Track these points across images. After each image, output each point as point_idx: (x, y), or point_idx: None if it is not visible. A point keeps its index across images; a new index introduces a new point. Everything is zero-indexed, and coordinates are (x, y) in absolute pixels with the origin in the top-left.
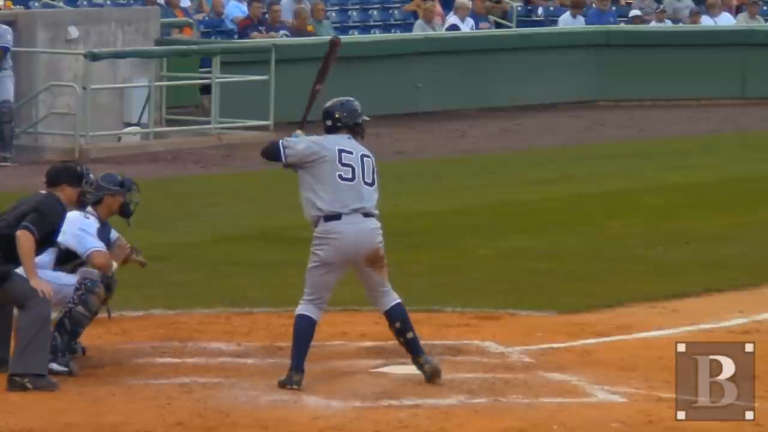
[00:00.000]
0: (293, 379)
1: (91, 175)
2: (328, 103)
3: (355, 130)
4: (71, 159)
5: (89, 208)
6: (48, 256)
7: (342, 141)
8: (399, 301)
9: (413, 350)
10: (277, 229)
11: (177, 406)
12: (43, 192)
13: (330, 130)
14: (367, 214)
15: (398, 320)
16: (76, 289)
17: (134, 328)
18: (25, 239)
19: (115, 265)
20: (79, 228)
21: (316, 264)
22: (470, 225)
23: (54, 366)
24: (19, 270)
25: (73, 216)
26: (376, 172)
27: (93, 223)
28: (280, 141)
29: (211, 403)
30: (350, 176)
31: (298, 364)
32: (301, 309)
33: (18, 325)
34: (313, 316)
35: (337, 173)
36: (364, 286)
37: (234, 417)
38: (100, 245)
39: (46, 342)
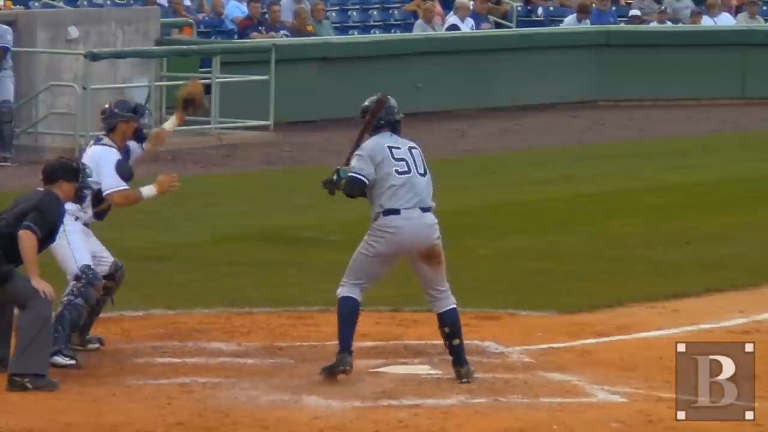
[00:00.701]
0: (346, 360)
1: (87, 170)
2: (366, 102)
3: (395, 126)
4: (67, 155)
5: (106, 139)
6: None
7: (387, 139)
8: (454, 306)
9: (456, 357)
10: (277, 229)
11: (177, 406)
12: (41, 189)
13: (372, 129)
14: (424, 209)
15: (448, 325)
16: (78, 278)
17: (134, 328)
18: (27, 239)
19: (149, 191)
20: (98, 164)
21: (369, 253)
22: (470, 225)
23: (58, 359)
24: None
25: (92, 151)
26: (425, 161)
27: (112, 156)
28: (350, 173)
29: (211, 403)
30: (406, 169)
31: (347, 346)
32: (345, 291)
33: (18, 324)
34: (358, 299)
35: (394, 168)
36: (422, 283)
37: (234, 417)
38: (116, 184)
39: (47, 342)
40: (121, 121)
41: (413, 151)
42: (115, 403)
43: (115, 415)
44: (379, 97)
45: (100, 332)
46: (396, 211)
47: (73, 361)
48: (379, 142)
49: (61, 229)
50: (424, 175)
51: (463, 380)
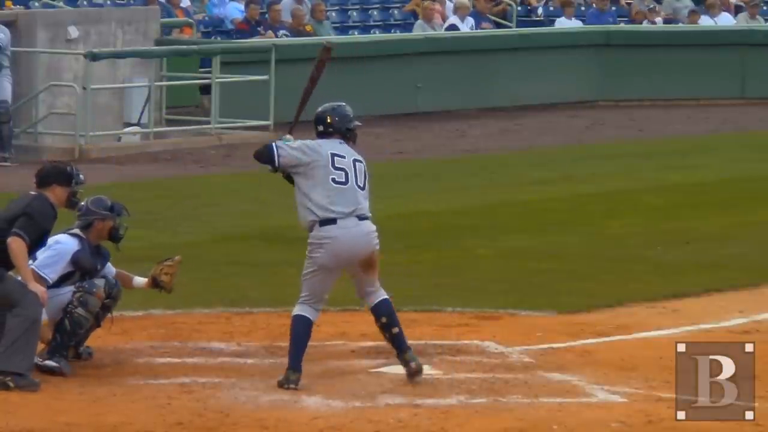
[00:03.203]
0: (290, 378)
1: (81, 176)
2: (320, 109)
3: (347, 135)
4: (62, 159)
5: (78, 231)
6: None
7: (334, 145)
8: (386, 297)
9: (399, 346)
10: (277, 229)
11: (177, 406)
12: (33, 193)
13: (322, 135)
14: (361, 217)
15: (384, 315)
16: (75, 292)
17: (134, 328)
18: (16, 246)
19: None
20: (50, 245)
21: (312, 269)
22: (470, 225)
23: (48, 363)
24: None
25: (57, 236)
26: (367, 177)
27: (70, 246)
28: (273, 143)
29: (211, 403)
30: (343, 179)
31: (295, 364)
32: (298, 310)
33: (7, 324)
34: (310, 317)
35: (331, 177)
36: (354, 284)
37: (234, 417)
38: (40, 267)
39: (33, 343)
40: (97, 219)
41: (357, 164)
42: (115, 403)
43: (115, 415)
44: (325, 45)
45: (100, 332)
46: (332, 221)
47: (57, 365)
48: (325, 146)
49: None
50: (362, 188)
51: (411, 364)
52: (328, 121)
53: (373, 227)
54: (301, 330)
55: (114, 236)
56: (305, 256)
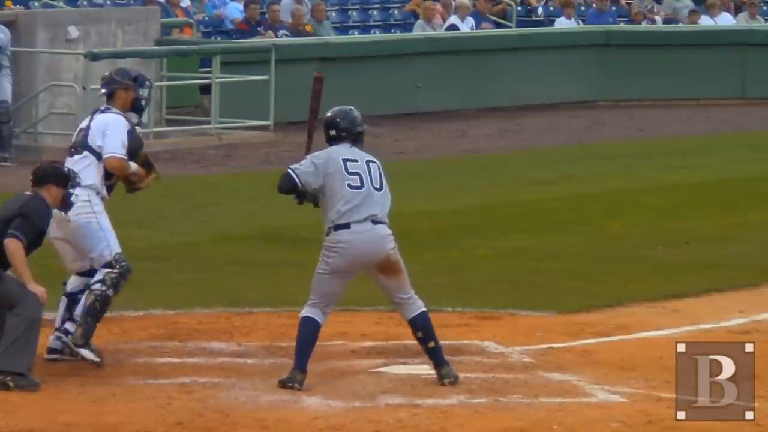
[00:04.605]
0: (296, 378)
1: (78, 178)
2: (329, 114)
3: (357, 138)
4: (60, 159)
5: (114, 108)
6: (94, 171)
7: (344, 151)
8: (423, 309)
9: (435, 360)
10: (277, 229)
11: (177, 406)
12: (29, 193)
13: (333, 140)
14: (376, 221)
15: (420, 330)
16: (110, 266)
17: (134, 328)
18: (14, 247)
19: (134, 167)
20: (107, 128)
21: (324, 272)
22: (470, 225)
23: (86, 353)
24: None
25: (103, 118)
26: (384, 176)
27: (122, 123)
28: (288, 169)
29: (211, 403)
30: (359, 184)
31: (301, 365)
32: (307, 311)
33: (6, 324)
34: (318, 320)
35: (346, 183)
36: (384, 292)
37: (234, 417)
38: (118, 150)
39: (33, 343)
40: (119, 89)
41: (371, 165)
42: (115, 403)
43: (115, 415)
44: (315, 75)
45: (100, 332)
46: (346, 226)
47: (98, 359)
48: (335, 153)
49: (88, 206)
50: (380, 189)
51: (445, 380)
52: (340, 125)
53: (388, 231)
54: (309, 332)
55: (137, 107)
56: (319, 261)
